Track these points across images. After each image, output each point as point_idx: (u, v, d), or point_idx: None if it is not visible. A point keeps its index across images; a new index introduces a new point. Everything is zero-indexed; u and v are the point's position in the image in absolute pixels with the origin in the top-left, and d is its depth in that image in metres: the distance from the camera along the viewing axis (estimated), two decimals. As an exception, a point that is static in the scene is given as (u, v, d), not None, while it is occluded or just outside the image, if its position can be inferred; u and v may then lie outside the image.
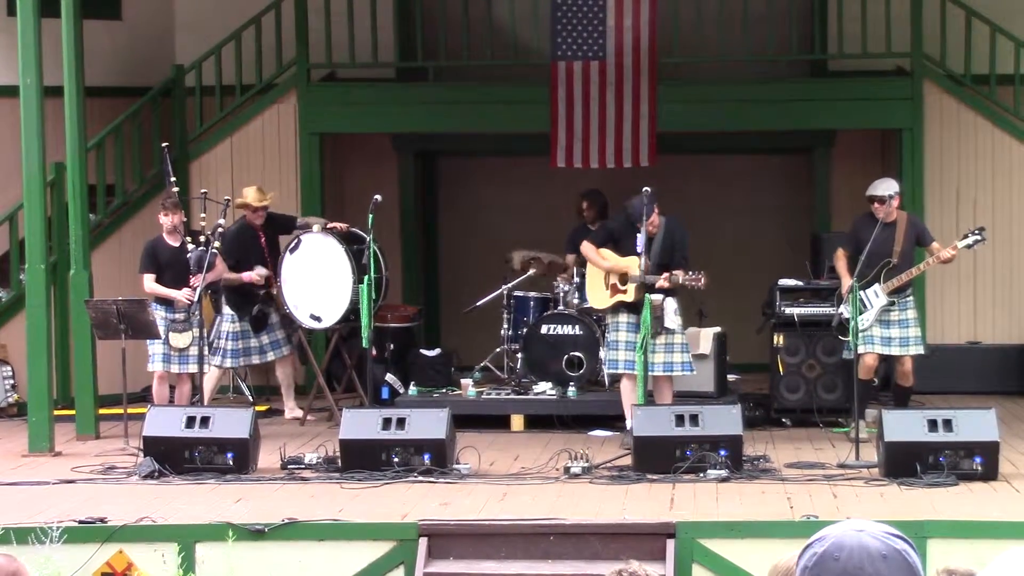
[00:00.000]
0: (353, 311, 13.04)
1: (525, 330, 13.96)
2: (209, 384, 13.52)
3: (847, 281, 12.32)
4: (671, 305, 12.01)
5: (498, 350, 14.49)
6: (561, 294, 14.04)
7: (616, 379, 12.48)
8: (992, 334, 15.61)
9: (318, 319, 13.71)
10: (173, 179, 13.52)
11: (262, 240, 13.85)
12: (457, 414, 11.70)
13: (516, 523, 9.56)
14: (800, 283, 13.87)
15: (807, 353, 13.61)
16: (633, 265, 12.03)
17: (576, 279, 13.79)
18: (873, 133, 16.66)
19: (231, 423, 11.25)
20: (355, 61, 16.03)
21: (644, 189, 11.89)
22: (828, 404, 13.49)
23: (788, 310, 13.63)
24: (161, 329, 12.84)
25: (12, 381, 15.02)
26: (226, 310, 13.75)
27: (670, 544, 9.27)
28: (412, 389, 14.02)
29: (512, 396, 13.73)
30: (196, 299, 12.65)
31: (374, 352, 12.91)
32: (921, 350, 12.64)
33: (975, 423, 10.71)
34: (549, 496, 10.30)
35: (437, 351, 14.74)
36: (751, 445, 11.76)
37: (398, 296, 16.46)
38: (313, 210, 15.48)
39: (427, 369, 14.40)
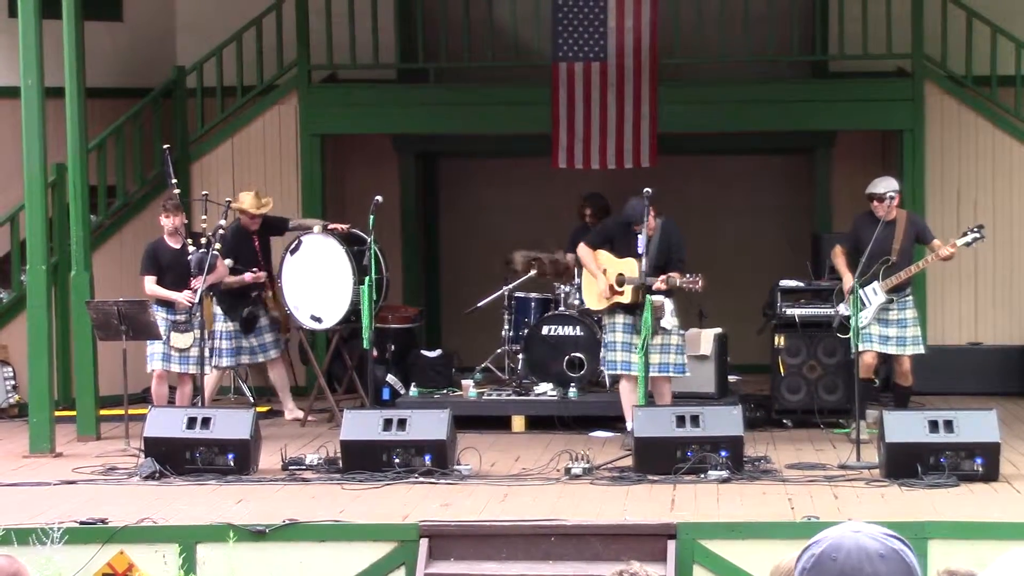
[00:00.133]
0: (354, 312, 13.05)
1: (526, 331, 13.96)
2: (209, 386, 13.52)
3: (847, 278, 12.32)
4: (668, 306, 12.02)
5: (499, 351, 14.49)
6: (562, 295, 14.04)
7: (616, 380, 12.48)
8: (993, 335, 15.61)
9: (319, 320, 13.72)
10: (174, 180, 13.53)
11: (255, 243, 13.86)
12: (458, 415, 11.70)
13: (517, 524, 9.56)
14: (801, 284, 13.87)
15: (808, 354, 13.61)
16: (628, 268, 12.03)
17: (577, 280, 13.78)
18: (874, 134, 16.66)
19: (232, 424, 11.25)
20: (356, 62, 16.03)
21: (644, 190, 11.89)
22: (829, 405, 13.49)
23: (789, 311, 13.63)
24: (162, 329, 12.85)
25: (13, 382, 15.03)
26: (217, 311, 13.74)
27: (671, 545, 9.27)
28: (413, 390, 14.03)
29: (513, 397, 13.73)
30: (197, 301, 12.65)
31: (375, 353, 12.92)
32: (920, 350, 12.64)
33: (976, 424, 10.71)
34: (550, 497, 10.30)
35: (438, 352, 14.74)
36: (752, 446, 11.75)
37: (399, 297, 16.47)
38: (314, 211, 15.48)
39: (428, 370, 14.41)
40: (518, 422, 13.40)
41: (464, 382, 14.02)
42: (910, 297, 12.64)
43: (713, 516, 9.67)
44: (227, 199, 13.55)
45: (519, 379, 14.01)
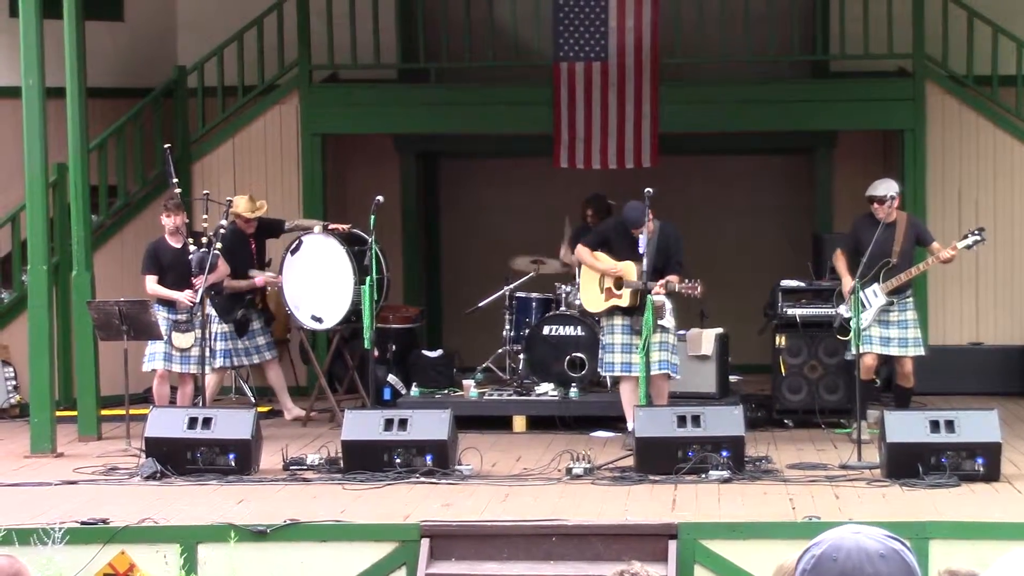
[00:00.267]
0: (355, 312, 13.05)
1: (527, 331, 13.97)
2: (210, 388, 13.52)
3: (847, 281, 12.32)
4: (667, 305, 12.01)
5: (500, 351, 14.49)
6: (563, 295, 14.05)
7: (617, 380, 12.48)
8: (994, 335, 15.61)
9: (319, 320, 13.72)
10: (175, 180, 13.52)
11: (252, 245, 13.87)
12: (459, 415, 11.71)
13: (518, 524, 9.57)
14: (802, 284, 13.87)
15: (809, 354, 13.61)
16: (628, 270, 12.02)
17: (578, 280, 13.78)
18: (875, 134, 16.66)
19: (233, 424, 11.25)
20: (357, 62, 16.03)
21: (645, 190, 11.88)
22: (830, 405, 13.49)
23: (790, 311, 13.63)
24: (163, 329, 12.85)
25: (14, 382, 15.03)
26: (210, 311, 13.72)
27: (672, 545, 9.27)
28: (414, 390, 14.03)
29: (514, 397, 13.73)
30: (198, 300, 12.65)
31: (376, 353, 12.91)
32: (921, 351, 12.64)
33: (977, 424, 10.71)
34: (551, 497, 10.30)
35: (439, 352, 14.75)
36: (753, 446, 11.75)
37: (400, 297, 16.47)
38: (315, 211, 15.48)
39: (429, 370, 14.41)
40: (519, 422, 13.40)
41: (465, 382, 14.02)
42: (911, 298, 12.64)
43: (714, 516, 9.67)
44: (228, 199, 13.54)
45: (520, 379, 14.01)
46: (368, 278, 12.08)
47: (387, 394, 14.26)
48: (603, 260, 12.21)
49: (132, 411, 12.58)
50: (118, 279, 14.76)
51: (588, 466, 11.01)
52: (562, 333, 13.72)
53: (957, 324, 15.62)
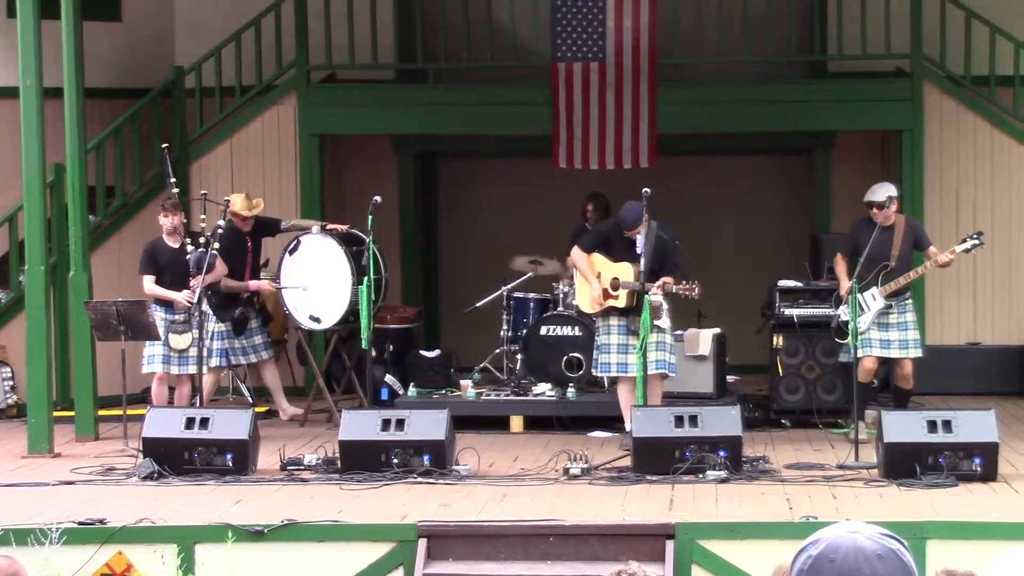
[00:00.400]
0: (352, 312, 13.05)
1: (524, 331, 13.97)
2: (206, 387, 13.51)
3: (845, 284, 12.32)
4: (664, 305, 12.00)
5: (497, 351, 14.49)
6: (560, 295, 14.05)
7: (615, 380, 12.48)
8: (991, 335, 15.61)
9: (317, 320, 13.72)
10: (173, 180, 13.52)
11: (248, 243, 13.86)
12: (456, 415, 11.70)
13: (515, 524, 9.56)
14: (799, 284, 13.87)
15: (806, 354, 13.61)
16: (623, 272, 12.01)
17: (575, 281, 13.78)
18: (873, 134, 16.67)
19: (230, 424, 11.24)
20: (355, 63, 16.03)
21: (644, 190, 11.88)
22: (827, 405, 13.49)
23: (787, 311, 13.63)
24: (161, 330, 12.85)
25: (12, 382, 15.03)
26: (206, 309, 13.72)
27: (669, 545, 9.27)
28: (411, 390, 14.03)
29: (511, 397, 13.73)
30: (196, 300, 12.64)
31: (373, 353, 12.91)
32: (920, 353, 12.64)
33: (974, 424, 10.70)
34: (548, 497, 10.29)
35: (436, 352, 14.75)
36: (750, 446, 11.75)
37: (397, 297, 16.47)
38: (313, 211, 15.48)
39: (426, 370, 14.41)
40: (516, 422, 13.40)
41: (463, 382, 14.03)
42: (910, 300, 12.64)
43: (711, 516, 9.67)
44: (225, 199, 13.55)
45: (517, 379, 14.02)
46: (366, 278, 12.07)
47: (384, 394, 14.26)
48: (597, 264, 12.17)
49: (129, 411, 12.58)
50: (115, 279, 14.76)
51: (585, 466, 11.00)
52: (559, 333, 13.72)
53: (955, 324, 15.63)
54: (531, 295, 14.40)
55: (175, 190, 13.42)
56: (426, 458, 10.91)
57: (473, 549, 9.48)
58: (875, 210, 12.51)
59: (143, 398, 13.92)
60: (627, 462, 11.19)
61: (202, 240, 12.79)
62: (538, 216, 16.88)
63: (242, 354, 13.86)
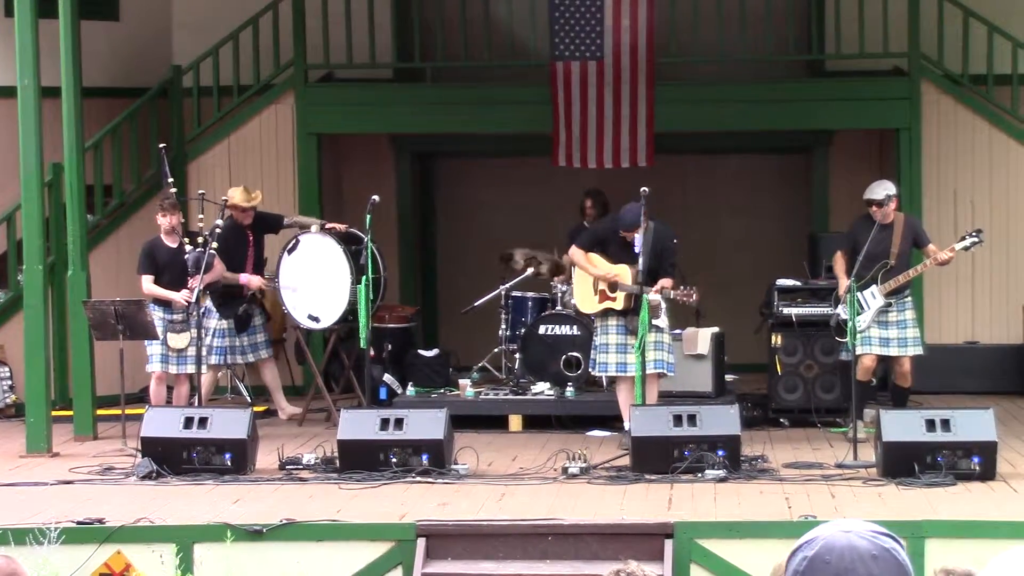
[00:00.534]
0: (351, 312, 13.05)
1: (523, 330, 13.96)
2: (205, 386, 13.52)
3: (844, 282, 12.32)
4: (662, 304, 12.00)
5: (496, 350, 14.49)
6: (559, 294, 14.05)
7: (614, 379, 12.47)
8: (990, 334, 15.61)
9: (316, 319, 13.72)
10: (171, 180, 13.52)
11: (250, 239, 13.85)
12: (455, 414, 11.70)
13: (514, 523, 9.56)
14: (798, 283, 13.87)
15: (805, 353, 13.61)
16: (623, 273, 12.01)
17: (573, 280, 13.78)
18: (871, 133, 16.66)
19: (229, 424, 11.24)
20: (352, 62, 16.02)
21: (642, 189, 11.87)
22: (826, 404, 13.49)
23: (786, 310, 13.63)
24: (159, 330, 12.85)
25: (10, 382, 15.02)
26: (210, 306, 13.72)
27: (668, 544, 9.27)
28: (410, 389, 14.03)
29: (510, 396, 13.73)
30: (194, 300, 12.64)
31: (372, 352, 12.91)
32: (920, 350, 12.64)
33: (973, 423, 10.71)
34: (547, 496, 10.29)
35: (435, 351, 14.75)
36: (749, 445, 11.75)
37: (396, 296, 16.46)
38: (311, 210, 15.47)
39: (425, 369, 14.41)
40: (515, 421, 13.40)
41: (461, 381, 14.02)
42: (909, 298, 12.64)
43: (710, 515, 9.67)
44: (223, 198, 13.54)
45: (516, 378, 14.01)
46: (364, 277, 12.07)
47: (383, 394, 14.26)
48: (597, 264, 12.17)
49: (128, 411, 12.57)
50: (114, 279, 14.75)
51: (584, 465, 11.00)
52: (558, 332, 13.72)
53: (953, 323, 15.62)
54: (529, 294, 14.40)
55: (173, 190, 13.43)
56: (425, 457, 10.91)
57: (472, 548, 9.48)
58: (874, 208, 12.50)
59: (141, 397, 13.91)
60: (626, 461, 11.19)
61: (200, 240, 12.79)
62: (536, 215, 16.87)
63: (241, 353, 13.86)
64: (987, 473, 10.56)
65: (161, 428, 11.26)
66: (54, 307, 14.32)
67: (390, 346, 14.81)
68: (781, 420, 13.50)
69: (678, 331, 13.35)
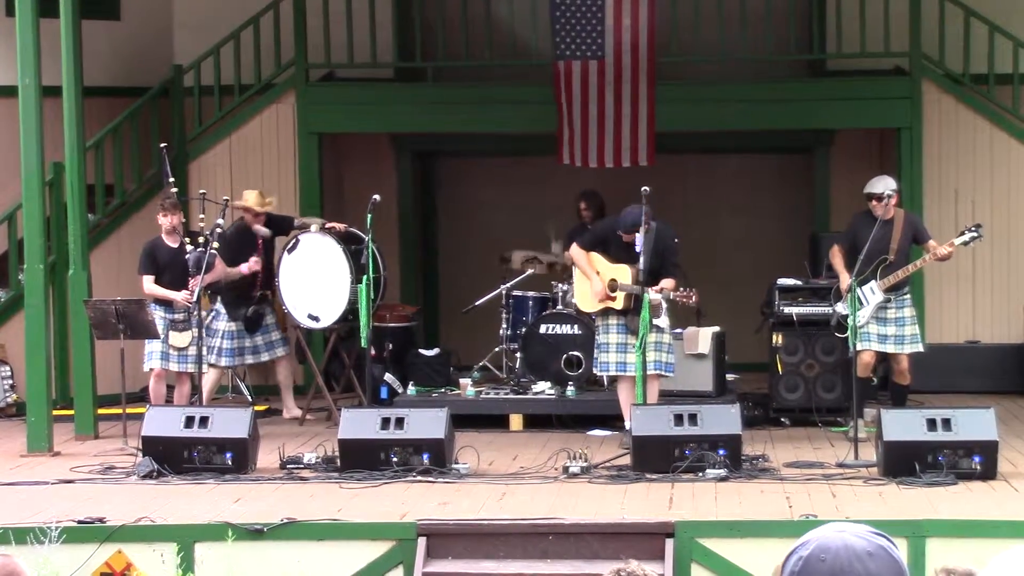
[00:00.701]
0: (351, 311, 13.05)
1: (524, 330, 13.96)
2: (208, 385, 13.54)
3: (844, 278, 12.32)
4: (663, 304, 12.00)
5: (497, 350, 14.49)
6: (560, 294, 14.05)
7: (615, 378, 12.47)
8: (991, 333, 15.61)
9: (316, 319, 13.72)
10: (172, 179, 13.52)
11: (259, 243, 13.85)
12: (456, 414, 11.70)
13: (515, 523, 9.56)
14: (799, 282, 13.87)
15: (806, 352, 13.62)
16: (621, 274, 12.00)
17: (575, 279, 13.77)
18: (872, 132, 16.66)
19: (230, 423, 11.24)
20: (353, 61, 16.02)
21: (643, 188, 11.86)
22: (827, 403, 13.49)
23: (787, 309, 13.63)
24: (160, 328, 12.85)
25: (11, 381, 15.02)
26: (219, 308, 13.73)
27: (669, 543, 9.27)
28: (411, 389, 14.03)
29: (511, 396, 13.73)
30: (195, 300, 12.65)
31: (373, 352, 12.91)
32: (919, 348, 12.63)
33: (974, 422, 10.70)
34: (548, 496, 10.29)
35: (436, 351, 14.75)
36: (750, 444, 11.76)
37: (396, 296, 16.46)
38: (312, 210, 15.47)
39: (426, 369, 14.41)
40: (516, 421, 13.40)
41: (462, 381, 14.02)
42: (908, 295, 12.64)
43: (711, 515, 9.67)
44: (225, 197, 13.53)
45: (517, 378, 14.01)
46: (365, 277, 12.08)
47: (384, 393, 14.26)
48: (596, 263, 12.15)
49: (129, 410, 12.57)
50: (115, 278, 14.76)
51: (585, 464, 11.00)
52: (559, 332, 13.72)
53: (954, 322, 15.62)
54: (530, 293, 14.40)
55: (174, 189, 13.43)
56: (425, 457, 10.91)
57: (472, 547, 9.48)
58: (874, 202, 12.51)
59: (142, 397, 13.91)
60: (626, 460, 11.19)
61: (201, 239, 12.79)
62: (537, 214, 16.86)
63: (253, 353, 13.86)
64: (988, 472, 10.56)
65: (162, 427, 11.26)
66: (55, 306, 14.32)
67: (391, 345, 14.81)
68: (782, 419, 13.50)
69: (679, 330, 13.35)
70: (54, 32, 12.93)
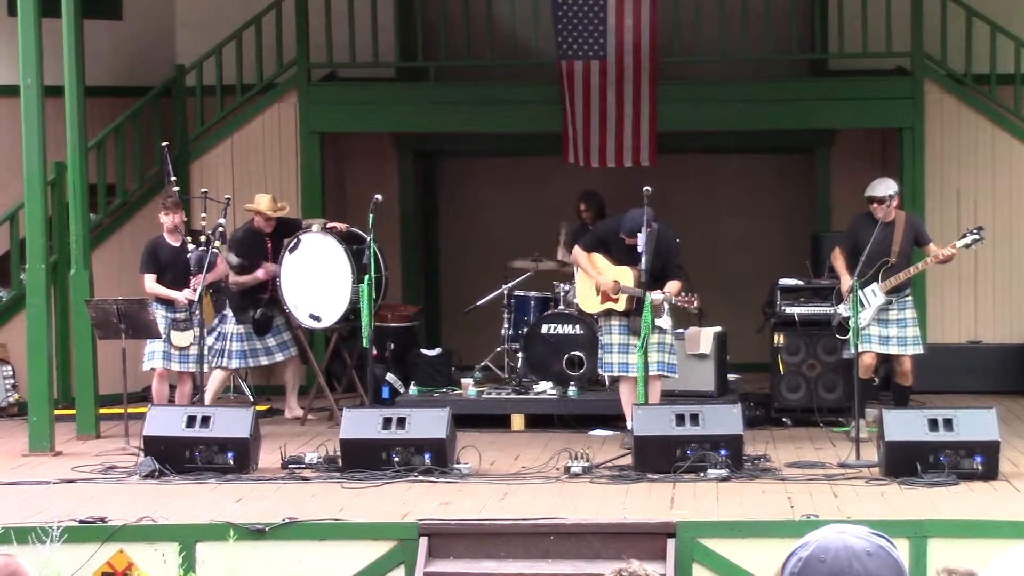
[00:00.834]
0: (353, 311, 13.05)
1: (525, 330, 13.97)
2: (215, 386, 13.55)
3: (846, 280, 12.32)
4: (665, 305, 11.99)
5: (498, 349, 14.49)
6: (561, 294, 14.04)
7: (616, 379, 12.47)
8: (992, 333, 15.61)
9: (318, 319, 13.72)
10: (173, 179, 13.53)
11: (268, 245, 13.85)
12: (457, 414, 11.70)
13: (516, 523, 9.56)
14: (800, 282, 13.87)
15: (807, 352, 13.61)
16: (623, 276, 11.99)
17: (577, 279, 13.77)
18: (873, 132, 16.66)
19: (231, 423, 11.25)
20: (355, 61, 16.03)
21: (644, 189, 11.85)
22: (828, 403, 13.49)
23: (788, 309, 13.63)
24: (162, 328, 12.85)
25: (12, 381, 15.03)
26: (227, 312, 13.74)
27: (670, 544, 9.27)
28: (412, 389, 14.03)
29: (512, 396, 13.73)
30: (196, 299, 12.65)
31: (374, 352, 12.92)
32: (920, 349, 12.64)
33: (976, 422, 10.70)
34: (549, 496, 10.30)
35: (437, 351, 14.74)
36: (751, 444, 11.75)
37: (398, 296, 16.46)
38: (314, 210, 15.47)
39: (427, 369, 14.41)
40: (517, 421, 13.40)
41: (464, 381, 14.03)
42: (910, 297, 12.64)
43: (712, 515, 9.67)
44: (226, 196, 13.55)
45: (519, 378, 14.01)
46: (367, 277, 12.08)
47: (386, 393, 14.26)
48: (598, 265, 12.15)
49: (131, 410, 12.58)
50: (116, 278, 14.77)
51: (586, 465, 11.01)
52: (560, 332, 13.72)
53: (956, 322, 15.62)
54: (532, 293, 14.40)
55: (176, 188, 13.43)
56: (427, 456, 10.91)
57: (474, 547, 9.49)
58: (875, 205, 12.51)
59: (144, 396, 13.93)
60: (628, 460, 11.19)
61: (203, 239, 12.79)
62: (538, 214, 16.86)
63: (266, 354, 13.85)
64: (990, 473, 10.55)
65: (164, 427, 11.27)
66: (57, 306, 14.32)
67: (392, 345, 14.81)
68: (783, 419, 13.50)
69: (680, 330, 13.34)
70: (56, 32, 12.94)
